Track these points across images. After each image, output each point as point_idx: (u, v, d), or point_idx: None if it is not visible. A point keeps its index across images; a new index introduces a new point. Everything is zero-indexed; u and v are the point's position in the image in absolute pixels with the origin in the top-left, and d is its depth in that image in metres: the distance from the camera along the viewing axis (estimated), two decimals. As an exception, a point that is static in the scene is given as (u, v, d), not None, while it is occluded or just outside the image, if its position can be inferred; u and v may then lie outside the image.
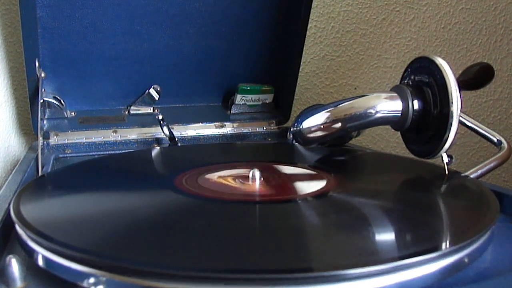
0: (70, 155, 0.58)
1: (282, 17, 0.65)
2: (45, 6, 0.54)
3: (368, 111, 0.42)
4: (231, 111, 0.67)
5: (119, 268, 0.23)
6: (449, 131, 0.39)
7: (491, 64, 0.46)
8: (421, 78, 0.43)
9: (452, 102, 0.39)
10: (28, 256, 0.28)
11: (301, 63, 0.68)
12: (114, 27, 0.58)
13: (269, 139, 0.67)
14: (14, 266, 0.24)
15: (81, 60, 0.59)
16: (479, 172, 0.41)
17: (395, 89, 0.44)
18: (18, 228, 0.29)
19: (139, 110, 0.63)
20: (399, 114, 0.43)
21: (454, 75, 0.40)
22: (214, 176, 0.41)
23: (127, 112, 0.63)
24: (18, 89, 0.64)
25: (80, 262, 0.24)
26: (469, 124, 0.45)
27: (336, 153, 0.52)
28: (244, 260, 0.25)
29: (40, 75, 0.54)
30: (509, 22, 0.80)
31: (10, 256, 0.24)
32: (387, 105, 0.42)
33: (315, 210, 0.34)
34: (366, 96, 0.43)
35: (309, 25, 0.69)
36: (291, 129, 0.46)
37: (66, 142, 0.58)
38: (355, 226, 0.30)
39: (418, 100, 0.42)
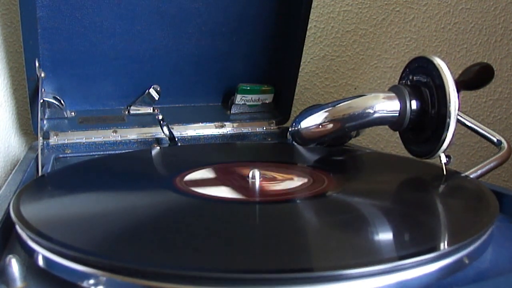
0: (70, 155, 0.58)
1: (282, 17, 0.65)
2: (45, 6, 0.54)
3: (366, 111, 0.42)
4: (231, 111, 0.67)
5: (119, 268, 0.23)
6: (447, 131, 0.39)
7: (491, 64, 0.46)
8: (419, 78, 0.43)
9: (449, 102, 0.39)
10: (28, 256, 0.28)
11: (301, 63, 0.68)
12: (114, 27, 0.58)
13: (269, 139, 0.67)
14: (14, 266, 0.24)
15: (81, 60, 0.59)
16: (479, 172, 0.41)
17: (393, 89, 0.44)
18: (18, 228, 0.29)
19: (139, 110, 0.63)
20: (397, 114, 0.43)
21: (452, 75, 0.40)
22: (214, 176, 0.41)
23: (127, 112, 0.63)
24: (18, 89, 0.64)
25: (80, 262, 0.24)
26: (469, 124, 0.45)
27: (335, 153, 0.52)
28: (243, 260, 0.25)
29: (40, 75, 0.54)
30: (509, 22, 0.80)
31: (10, 256, 0.24)
32: (385, 105, 0.42)
33: (315, 210, 0.34)
34: (364, 96, 0.43)
35: (309, 25, 0.69)
36: (290, 129, 0.46)
37: (66, 142, 0.58)
38: (354, 226, 0.30)
39: (416, 100, 0.42)
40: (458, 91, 0.39)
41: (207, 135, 0.65)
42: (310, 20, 0.65)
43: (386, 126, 0.45)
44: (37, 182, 0.40)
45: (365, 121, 0.43)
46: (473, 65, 0.47)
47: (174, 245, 0.26)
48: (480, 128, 0.45)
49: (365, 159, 0.52)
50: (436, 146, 0.40)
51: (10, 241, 0.31)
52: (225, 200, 0.35)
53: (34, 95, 0.55)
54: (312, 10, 0.64)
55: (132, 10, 0.58)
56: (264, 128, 0.67)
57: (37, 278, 0.26)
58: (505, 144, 0.43)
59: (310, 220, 0.32)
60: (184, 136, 0.63)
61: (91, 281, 0.24)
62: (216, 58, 0.65)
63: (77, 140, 0.59)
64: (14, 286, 0.24)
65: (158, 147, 0.55)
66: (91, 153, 0.58)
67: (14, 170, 0.47)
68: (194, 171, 0.43)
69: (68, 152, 0.58)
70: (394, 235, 0.29)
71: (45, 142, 0.57)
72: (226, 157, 0.54)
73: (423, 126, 0.42)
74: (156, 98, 0.63)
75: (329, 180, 0.39)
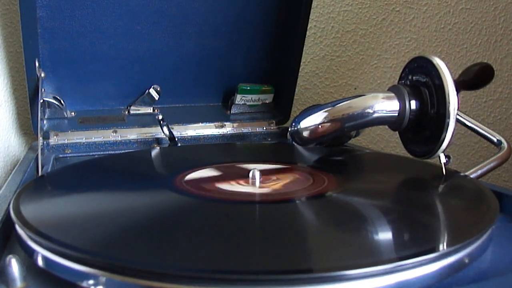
0: (70, 155, 0.58)
1: (282, 17, 0.65)
2: (45, 6, 0.54)
3: (366, 111, 0.42)
4: (231, 111, 0.67)
5: (119, 268, 0.23)
6: (446, 131, 0.39)
7: (491, 64, 0.46)
8: (419, 78, 0.43)
9: (449, 102, 0.39)
10: (28, 256, 0.28)
11: (301, 63, 0.68)
12: (114, 27, 0.58)
13: (269, 139, 0.67)
14: (14, 266, 0.24)
15: (81, 60, 0.59)
16: (479, 172, 0.41)
17: (392, 89, 0.44)
18: (18, 228, 0.29)
19: (139, 110, 0.63)
20: (396, 114, 0.43)
21: (451, 74, 0.40)
22: (213, 176, 0.41)
23: (127, 112, 0.63)
24: (18, 89, 0.64)
25: (80, 262, 0.24)
26: (469, 124, 0.45)
27: (335, 153, 0.52)
28: (243, 260, 0.25)
29: (40, 75, 0.54)
30: (509, 22, 0.80)
31: (10, 256, 0.24)
32: (384, 105, 0.42)
33: (315, 210, 0.34)
34: (364, 96, 0.43)
35: (309, 25, 0.69)
36: (289, 129, 0.46)
37: (66, 142, 0.58)
38: (355, 227, 0.30)
39: (415, 100, 0.42)
40: (458, 91, 0.39)
41: (207, 135, 0.65)
42: (310, 20, 0.65)
43: (386, 126, 0.45)
44: (37, 182, 0.40)
45: (364, 121, 0.43)
46: (473, 65, 0.47)
47: (174, 245, 0.26)
48: (480, 128, 0.45)
49: (365, 159, 0.52)
50: (436, 146, 0.40)
51: (10, 241, 0.31)
52: (225, 200, 0.35)
53: (34, 95, 0.55)
54: (312, 10, 0.64)
55: (132, 10, 0.58)
56: (264, 128, 0.67)
57: (37, 278, 0.26)
58: (505, 144, 0.43)
59: (310, 220, 0.32)
60: (184, 136, 0.63)
61: (91, 281, 0.24)
62: (216, 58, 0.65)
63: (77, 140, 0.59)
64: (14, 286, 0.24)
65: (158, 147, 0.55)
66: (91, 153, 0.58)
67: (14, 170, 0.47)
68: (194, 171, 0.43)
69: (68, 152, 0.58)
70: (394, 236, 0.29)
71: (45, 142, 0.57)
72: (226, 157, 0.54)
73: (422, 126, 0.42)
74: (156, 98, 0.63)
75: (329, 180, 0.39)
